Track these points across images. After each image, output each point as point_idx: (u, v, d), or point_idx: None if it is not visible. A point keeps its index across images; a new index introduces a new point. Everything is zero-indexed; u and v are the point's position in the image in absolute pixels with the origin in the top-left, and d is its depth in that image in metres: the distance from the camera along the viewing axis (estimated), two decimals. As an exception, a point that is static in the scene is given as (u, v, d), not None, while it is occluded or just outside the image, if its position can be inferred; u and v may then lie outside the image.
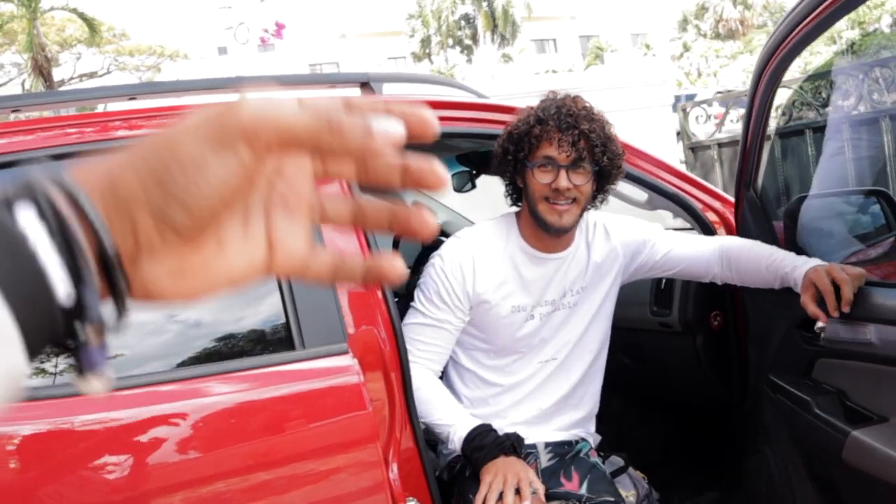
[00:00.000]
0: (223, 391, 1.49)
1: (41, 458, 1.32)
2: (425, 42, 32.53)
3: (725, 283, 1.99)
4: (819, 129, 5.11)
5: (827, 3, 1.45)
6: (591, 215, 2.00)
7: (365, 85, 1.92)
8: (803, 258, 1.78)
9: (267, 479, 1.45)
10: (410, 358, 1.78)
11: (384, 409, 1.64)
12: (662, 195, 2.17)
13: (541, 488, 1.72)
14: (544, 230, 1.83)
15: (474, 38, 32.07)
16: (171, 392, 1.45)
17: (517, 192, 1.91)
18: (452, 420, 1.78)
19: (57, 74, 13.55)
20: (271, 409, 1.50)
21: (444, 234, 3.50)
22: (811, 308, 1.65)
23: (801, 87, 5.92)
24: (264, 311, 1.62)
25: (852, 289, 1.59)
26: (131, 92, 1.82)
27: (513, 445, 1.74)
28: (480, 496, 1.66)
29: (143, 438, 1.40)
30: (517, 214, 1.93)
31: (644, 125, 7.04)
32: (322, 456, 1.50)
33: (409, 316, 1.89)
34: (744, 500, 2.18)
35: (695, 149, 7.49)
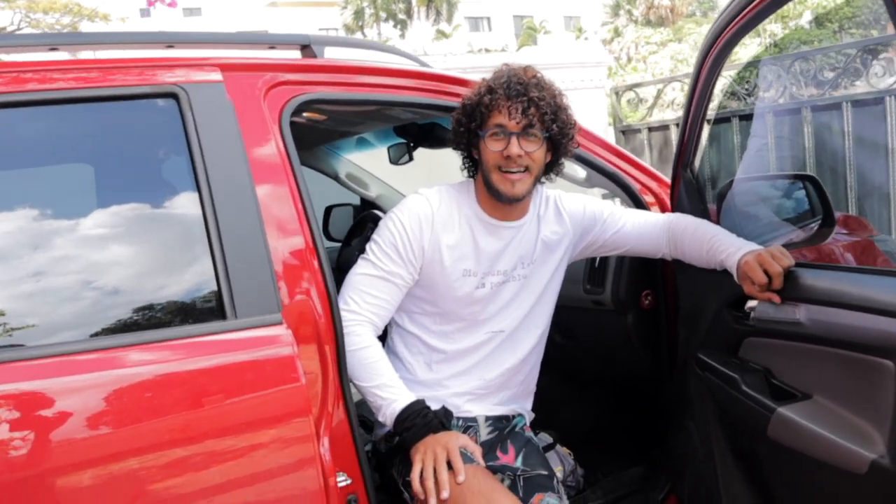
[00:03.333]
0: (147, 361, 1.42)
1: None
2: (358, 14, 32.02)
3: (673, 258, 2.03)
4: (746, 118, 5.26)
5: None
6: (544, 190, 2.00)
7: (306, 48, 1.86)
8: (738, 243, 1.82)
9: (189, 455, 1.40)
10: (355, 309, 1.77)
11: (317, 382, 1.60)
12: (601, 173, 2.18)
13: (476, 450, 1.72)
14: (498, 199, 1.84)
15: (408, 12, 31.75)
16: (89, 361, 1.38)
17: (473, 164, 1.90)
18: (389, 394, 1.76)
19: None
20: (199, 381, 1.44)
21: (377, 206, 3.47)
22: (760, 295, 1.70)
23: (731, 77, 6.07)
24: (195, 278, 1.55)
25: (779, 266, 1.65)
26: (53, 42, 1.71)
27: (441, 422, 1.73)
28: (415, 474, 1.66)
29: (50, 412, 1.33)
30: (475, 182, 1.93)
31: (576, 107, 7.09)
32: (252, 430, 1.45)
33: (358, 266, 1.84)
34: (667, 475, 2.23)
35: (626, 132, 7.61)
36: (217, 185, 1.52)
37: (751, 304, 1.73)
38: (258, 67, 1.70)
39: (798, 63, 5.13)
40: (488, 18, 38.19)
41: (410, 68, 1.94)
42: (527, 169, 1.80)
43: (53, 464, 1.30)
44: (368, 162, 3.48)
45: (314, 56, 1.83)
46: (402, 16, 31.83)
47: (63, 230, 1.48)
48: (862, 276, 1.56)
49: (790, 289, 1.62)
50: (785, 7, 1.66)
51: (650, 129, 7.31)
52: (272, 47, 1.87)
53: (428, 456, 1.67)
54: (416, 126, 2.62)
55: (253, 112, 1.65)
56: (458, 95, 1.89)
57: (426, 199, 1.87)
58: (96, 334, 1.43)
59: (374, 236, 1.87)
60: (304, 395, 1.48)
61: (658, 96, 7.74)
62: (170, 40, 1.76)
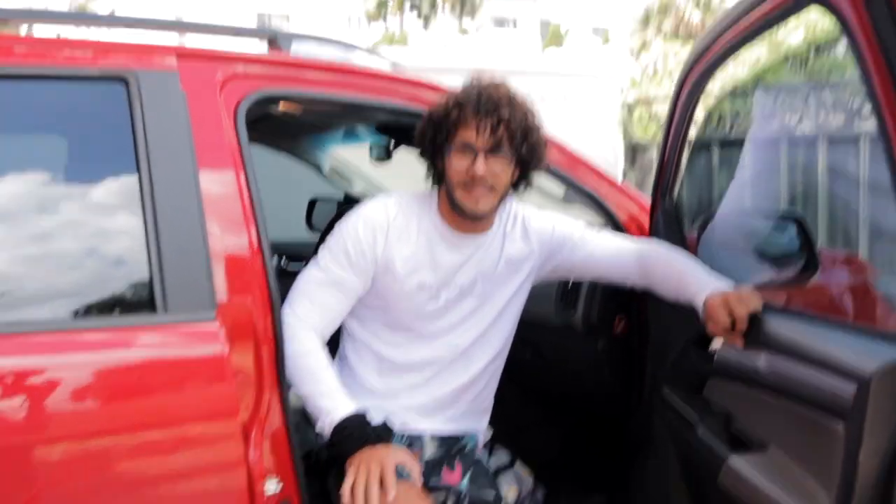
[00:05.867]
0: (70, 348, 1.40)
1: None
2: (382, 3, 31.97)
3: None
4: (730, 144, 5.17)
5: (751, 15, 1.38)
6: (514, 206, 1.94)
7: (272, 42, 1.80)
8: (706, 280, 1.73)
9: (108, 446, 1.39)
10: (299, 314, 1.71)
11: (251, 384, 1.55)
12: (578, 192, 2.11)
13: (414, 467, 1.66)
14: (460, 214, 1.78)
15: (433, 5, 31.66)
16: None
17: (438, 175, 1.83)
18: (329, 402, 1.69)
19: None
20: (123, 372, 1.42)
21: (359, 202, 3.40)
22: (723, 336, 1.61)
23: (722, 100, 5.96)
24: (128, 267, 1.51)
25: (744, 309, 1.55)
26: (11, 16, 1.66)
27: (379, 436, 1.66)
28: (346, 487, 1.59)
29: None
30: (438, 191, 1.86)
31: (586, 119, 7.02)
32: (175, 426, 1.44)
33: (307, 270, 1.78)
34: (625, 509, 2.16)
35: (635, 149, 7.50)
36: (159, 175, 1.48)
37: (715, 343, 1.65)
38: (217, 58, 1.65)
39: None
40: (514, 20, 38.09)
41: (379, 71, 1.87)
42: (492, 187, 1.74)
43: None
44: (356, 156, 3.43)
45: (280, 50, 1.77)
46: (426, 9, 31.77)
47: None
48: (825, 329, 1.46)
49: (752, 334, 1.54)
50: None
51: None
52: (237, 34, 1.81)
53: (361, 470, 1.60)
54: (398, 125, 2.55)
55: (207, 103, 1.59)
56: (428, 102, 1.82)
57: (384, 206, 1.80)
58: (20, 317, 1.39)
59: (328, 240, 1.81)
60: (232, 395, 1.45)
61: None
62: (133, 24, 1.71)
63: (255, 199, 1.59)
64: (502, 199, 1.80)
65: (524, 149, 1.74)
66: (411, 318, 1.85)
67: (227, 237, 1.54)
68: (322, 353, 1.74)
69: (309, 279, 1.76)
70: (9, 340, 1.34)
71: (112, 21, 1.72)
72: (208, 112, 1.58)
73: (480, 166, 1.70)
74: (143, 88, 1.50)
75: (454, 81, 1.82)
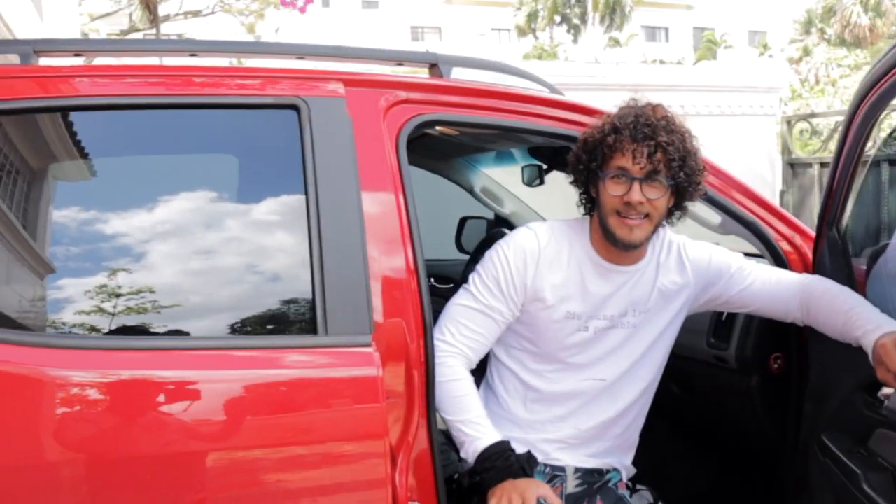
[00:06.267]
0: (236, 365, 1.46)
1: None
2: (532, 16, 31.98)
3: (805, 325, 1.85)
4: None
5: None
6: (669, 234, 1.88)
7: (433, 66, 1.84)
8: (878, 320, 1.62)
9: (262, 457, 1.44)
10: (449, 340, 1.73)
11: (401, 406, 1.58)
12: (737, 220, 2.02)
13: (554, 499, 1.65)
14: (613, 244, 1.75)
15: (583, 17, 31.35)
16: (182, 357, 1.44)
17: (590, 202, 1.81)
18: (475, 431, 1.71)
19: (163, 9, 13.87)
20: (282, 390, 1.47)
21: (510, 225, 3.41)
22: (893, 385, 1.51)
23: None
24: (291, 289, 1.58)
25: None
26: (193, 49, 1.79)
27: (522, 468, 1.67)
28: None
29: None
30: (590, 219, 1.84)
31: (742, 134, 6.70)
32: (327, 443, 1.48)
33: (458, 296, 1.80)
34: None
35: (794, 165, 7.09)
36: (325, 198, 1.53)
37: (886, 391, 1.54)
38: (381, 84, 1.70)
39: None
40: (666, 29, 37.06)
41: (537, 94, 1.87)
42: (647, 215, 1.70)
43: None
44: (506, 178, 3.44)
45: (441, 75, 1.81)
46: (575, 20, 31.52)
47: (173, 228, 1.54)
48: None
49: None
50: None
51: (822, 165, 6.76)
52: (400, 64, 1.86)
53: (504, 501, 1.61)
54: (551, 149, 2.55)
55: (371, 129, 1.65)
56: (585, 125, 1.80)
57: (535, 234, 1.79)
58: (192, 334, 1.49)
59: (478, 267, 1.81)
60: (383, 417, 1.47)
61: (835, 129, 7.15)
62: (300, 52, 1.79)
63: (413, 221, 1.63)
64: (657, 227, 1.75)
65: (682, 175, 1.69)
66: (558, 349, 1.83)
67: (386, 259, 1.59)
68: (469, 381, 1.75)
69: (459, 305, 1.78)
70: (176, 354, 1.44)
71: (281, 50, 1.80)
72: (372, 136, 1.64)
73: (636, 193, 1.67)
74: (314, 114, 1.57)
75: (605, 99, 1.79)
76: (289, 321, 1.55)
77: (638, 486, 2.01)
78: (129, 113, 1.57)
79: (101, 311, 1.44)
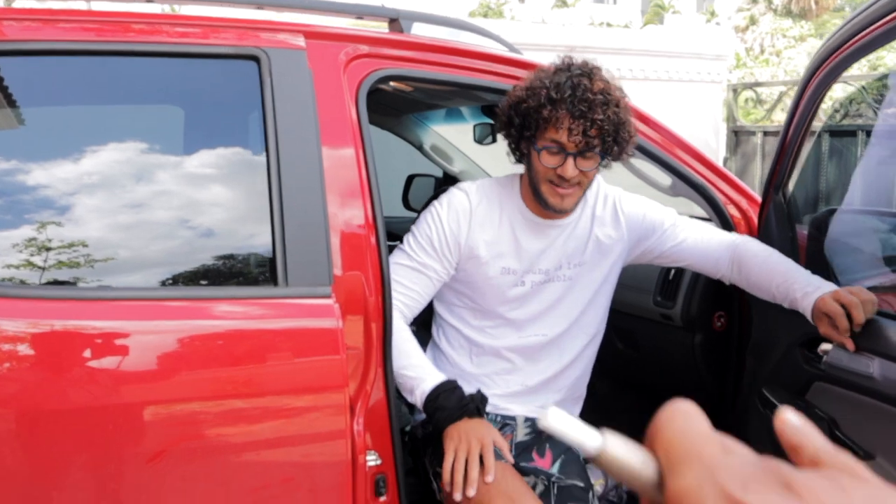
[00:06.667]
0: (191, 315, 1.45)
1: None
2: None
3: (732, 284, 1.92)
4: (842, 134, 4.88)
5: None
6: (604, 187, 1.92)
7: (394, 21, 1.83)
8: (815, 282, 1.70)
9: (221, 410, 1.44)
10: None
11: (359, 358, 1.60)
12: (687, 183, 2.07)
13: (505, 446, 1.67)
14: (545, 208, 1.78)
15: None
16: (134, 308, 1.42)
17: (521, 155, 1.82)
18: (419, 373, 1.73)
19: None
20: (241, 341, 1.47)
21: (459, 181, 3.43)
22: (836, 337, 1.60)
23: (864, 86, 5.65)
24: (251, 241, 1.57)
25: (863, 312, 1.54)
26: None
27: (476, 408, 1.69)
28: (447, 465, 1.62)
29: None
30: (521, 176, 1.86)
31: (691, 100, 6.80)
32: (286, 395, 1.48)
33: (394, 255, 1.82)
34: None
35: (738, 133, 7.24)
36: (285, 151, 1.52)
37: (824, 346, 1.62)
38: (342, 38, 1.68)
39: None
40: (615, -7, 37.08)
41: (496, 52, 1.88)
42: (579, 184, 1.73)
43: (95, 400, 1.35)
44: (456, 136, 3.45)
45: (401, 30, 1.80)
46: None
47: (128, 174, 1.52)
48: None
49: (867, 338, 1.50)
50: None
51: (765, 134, 6.91)
52: (360, 18, 1.84)
53: (461, 447, 1.64)
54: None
55: (331, 82, 1.63)
56: None
57: (466, 193, 1.82)
58: (153, 285, 1.47)
59: (413, 227, 1.84)
60: (343, 369, 1.48)
61: (779, 99, 7.32)
62: (259, 2, 1.76)
63: (372, 176, 1.63)
64: (586, 191, 1.79)
65: (615, 148, 1.72)
66: (497, 303, 1.86)
67: (345, 213, 1.59)
68: (408, 331, 1.78)
69: (395, 264, 1.79)
70: (137, 305, 1.41)
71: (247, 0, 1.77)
72: (332, 90, 1.62)
73: (571, 168, 1.69)
74: (274, 66, 1.55)
75: (550, 60, 1.77)
76: (249, 273, 1.55)
77: None
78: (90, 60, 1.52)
79: (68, 264, 1.42)
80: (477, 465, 1.61)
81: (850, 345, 1.55)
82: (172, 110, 1.63)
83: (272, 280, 1.49)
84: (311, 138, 1.55)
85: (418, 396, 1.71)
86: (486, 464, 1.61)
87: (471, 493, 1.59)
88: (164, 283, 1.49)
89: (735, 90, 7.32)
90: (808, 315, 1.67)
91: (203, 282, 1.52)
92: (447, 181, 3.43)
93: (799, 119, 1.75)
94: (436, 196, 3.13)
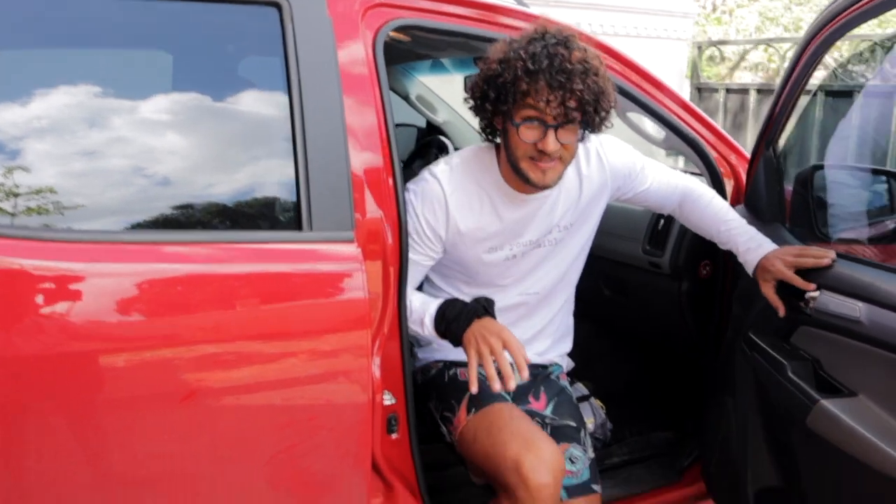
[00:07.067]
0: (221, 259, 1.47)
1: None
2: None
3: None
4: (836, 94, 4.97)
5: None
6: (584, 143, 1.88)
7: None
8: (756, 240, 1.86)
9: (249, 351, 1.47)
10: None
11: (378, 301, 1.64)
12: (681, 137, 2.14)
13: (521, 350, 1.63)
14: (525, 183, 1.73)
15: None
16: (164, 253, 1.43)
17: (494, 132, 1.77)
18: (424, 306, 1.75)
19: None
20: (268, 284, 1.49)
21: (443, 133, 3.47)
22: (776, 301, 1.78)
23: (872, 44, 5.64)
24: (276, 186, 1.59)
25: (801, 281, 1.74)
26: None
27: (484, 307, 1.69)
28: (472, 369, 1.61)
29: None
30: (497, 147, 1.80)
31: (657, 56, 6.86)
32: (311, 337, 1.51)
33: None
34: (695, 446, 2.26)
35: (701, 90, 7.37)
36: (308, 98, 1.54)
37: (811, 293, 1.73)
38: (359, -14, 1.69)
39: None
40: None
41: (509, 6, 1.90)
42: (560, 158, 1.69)
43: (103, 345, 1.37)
44: (441, 87, 3.46)
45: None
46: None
47: (152, 118, 1.52)
48: None
49: (849, 284, 1.62)
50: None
51: (728, 91, 7.05)
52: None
53: (482, 348, 1.61)
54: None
55: (350, 29, 1.65)
56: None
57: (438, 181, 1.77)
58: (169, 226, 1.49)
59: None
60: (366, 309, 1.52)
61: (743, 57, 7.45)
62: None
63: (389, 122, 1.66)
64: (567, 164, 1.75)
65: (595, 118, 1.67)
66: (489, 278, 1.89)
67: (364, 157, 1.62)
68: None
69: None
70: (163, 248, 1.43)
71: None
72: (351, 37, 1.64)
73: (552, 142, 1.63)
74: (296, 13, 1.56)
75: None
76: (274, 217, 1.57)
77: (573, 381, 2.18)
78: None
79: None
80: (507, 362, 1.58)
81: (782, 310, 1.77)
82: (194, 54, 1.63)
83: (297, 225, 1.52)
84: (333, 84, 1.57)
85: (428, 323, 1.72)
86: (518, 361, 1.58)
87: (512, 385, 1.58)
88: (185, 227, 1.50)
89: (700, 47, 7.42)
90: (750, 270, 1.84)
91: (229, 225, 1.54)
92: (430, 131, 3.46)
93: (797, 77, 1.83)
94: (422, 147, 3.18)
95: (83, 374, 1.35)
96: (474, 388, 1.60)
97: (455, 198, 1.77)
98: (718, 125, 2.26)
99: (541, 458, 1.63)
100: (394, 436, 1.73)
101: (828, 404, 1.58)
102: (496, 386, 1.57)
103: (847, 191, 2.11)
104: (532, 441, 1.66)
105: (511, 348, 1.60)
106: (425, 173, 1.81)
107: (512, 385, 1.58)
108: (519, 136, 1.65)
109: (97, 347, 1.35)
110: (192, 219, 1.50)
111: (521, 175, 1.71)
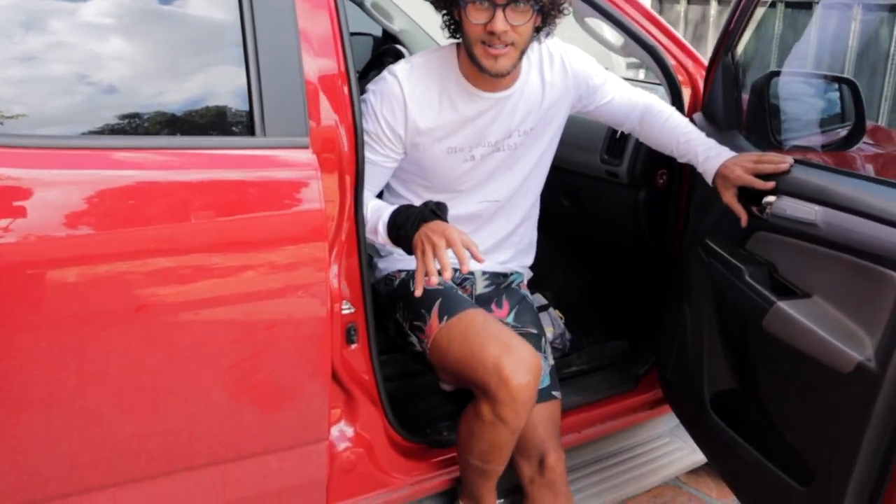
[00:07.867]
0: (172, 166, 1.41)
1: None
2: None
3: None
4: (793, 6, 4.94)
5: None
6: (549, 46, 1.88)
7: None
8: (714, 149, 1.86)
9: (203, 263, 1.43)
10: None
11: (334, 210, 1.61)
12: (640, 44, 2.11)
13: (471, 243, 1.57)
14: (481, 72, 1.72)
15: None
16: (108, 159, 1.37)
17: (455, 24, 1.74)
18: (378, 212, 1.72)
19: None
20: (222, 192, 1.44)
21: (399, 41, 3.37)
22: (737, 207, 1.79)
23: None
24: (227, 90, 1.52)
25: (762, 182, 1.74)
26: None
27: (432, 211, 1.67)
28: (420, 272, 1.58)
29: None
30: (458, 45, 1.79)
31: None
32: (268, 247, 1.47)
33: None
34: (650, 354, 2.31)
35: (663, 1, 7.27)
36: (260, 2, 1.46)
37: (768, 199, 1.74)
38: None
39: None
40: None
41: None
42: (512, 43, 1.66)
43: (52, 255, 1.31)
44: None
45: None
46: None
47: (96, 22, 1.43)
48: (882, 188, 1.56)
49: (806, 188, 1.64)
50: None
51: (689, 2, 6.96)
52: None
53: (427, 247, 1.58)
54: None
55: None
56: None
57: (397, 79, 1.75)
58: (119, 132, 1.41)
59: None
60: (323, 219, 1.49)
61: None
62: None
63: (344, 28, 1.59)
64: (523, 53, 1.73)
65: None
66: (449, 181, 1.88)
67: (318, 62, 1.55)
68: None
69: None
70: (120, 154, 1.37)
71: None
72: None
73: (500, 22, 1.61)
74: None
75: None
76: (226, 123, 1.51)
77: (533, 291, 2.20)
78: None
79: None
80: (445, 253, 1.55)
81: (744, 218, 1.78)
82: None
83: (250, 130, 1.46)
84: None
85: (381, 230, 1.70)
86: (459, 256, 1.53)
87: (447, 274, 1.56)
88: (137, 132, 1.43)
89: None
90: (710, 179, 1.84)
91: (180, 132, 1.48)
92: (386, 40, 3.36)
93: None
94: (378, 56, 3.08)
95: (30, 286, 1.29)
96: (419, 292, 1.57)
97: (414, 95, 1.75)
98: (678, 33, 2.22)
99: (520, 359, 1.65)
100: (353, 346, 1.72)
101: (784, 305, 1.61)
102: (433, 279, 1.54)
103: (802, 98, 2.11)
104: (510, 344, 1.68)
105: (453, 244, 1.55)
106: (385, 72, 1.79)
107: (447, 274, 1.54)
108: (468, 17, 1.64)
109: (45, 257, 1.29)
110: (142, 126, 1.43)
111: (476, 64, 1.70)
